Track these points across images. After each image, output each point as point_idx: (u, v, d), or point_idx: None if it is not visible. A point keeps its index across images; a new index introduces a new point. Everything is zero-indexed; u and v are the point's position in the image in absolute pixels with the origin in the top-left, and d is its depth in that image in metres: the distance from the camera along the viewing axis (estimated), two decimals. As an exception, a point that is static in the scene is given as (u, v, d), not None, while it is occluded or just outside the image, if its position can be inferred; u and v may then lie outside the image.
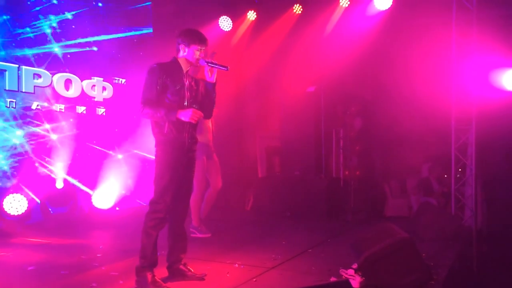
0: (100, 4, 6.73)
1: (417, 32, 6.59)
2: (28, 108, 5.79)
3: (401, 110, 6.50)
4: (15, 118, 5.66)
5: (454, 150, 5.83)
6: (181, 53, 3.52)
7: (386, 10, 6.87)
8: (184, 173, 3.51)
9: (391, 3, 6.67)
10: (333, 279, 3.49)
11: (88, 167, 6.49)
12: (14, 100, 5.63)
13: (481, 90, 5.72)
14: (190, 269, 3.64)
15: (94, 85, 6.62)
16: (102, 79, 6.71)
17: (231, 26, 7.80)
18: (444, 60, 6.04)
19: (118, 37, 6.95)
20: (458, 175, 5.85)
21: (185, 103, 3.46)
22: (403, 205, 6.90)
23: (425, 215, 5.19)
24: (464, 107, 5.75)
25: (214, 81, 3.57)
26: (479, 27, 5.68)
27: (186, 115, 3.34)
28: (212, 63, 3.51)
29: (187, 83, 3.51)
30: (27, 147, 5.80)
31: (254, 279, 3.62)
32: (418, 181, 7.07)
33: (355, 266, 3.43)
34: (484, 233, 5.77)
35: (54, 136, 5.99)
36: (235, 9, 7.96)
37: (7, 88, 5.55)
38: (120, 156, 6.87)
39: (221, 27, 7.77)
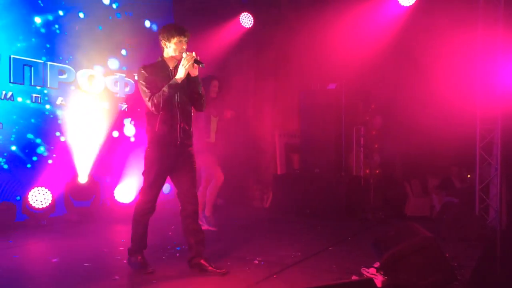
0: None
1: (441, 29, 6.45)
2: (53, 104, 5.89)
3: (423, 108, 6.40)
4: (39, 114, 5.76)
5: (479, 149, 5.72)
6: (165, 51, 3.64)
7: (409, 6, 6.77)
8: (182, 168, 3.64)
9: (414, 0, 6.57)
10: (354, 277, 3.46)
11: (110, 162, 6.57)
12: (39, 96, 5.74)
13: (507, 88, 5.58)
14: (211, 264, 3.65)
15: (116, 81, 6.70)
16: (124, 75, 6.78)
17: (252, 22, 7.80)
18: (469, 58, 5.91)
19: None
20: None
21: (177, 99, 3.56)
22: (425, 205, 6.81)
23: (448, 215, 5.12)
24: (490, 105, 5.62)
25: (196, 74, 3.61)
26: (506, 23, 5.54)
27: (180, 71, 3.48)
28: (195, 59, 3.51)
29: None
30: (51, 142, 5.90)
31: (274, 276, 3.62)
32: (440, 180, 6.96)
33: (377, 265, 3.40)
34: (509, 234, 5.64)
35: (77, 131, 6.08)
36: (256, 5, 7.95)
37: (32, 84, 5.66)
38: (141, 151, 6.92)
39: (242, 24, 7.77)
